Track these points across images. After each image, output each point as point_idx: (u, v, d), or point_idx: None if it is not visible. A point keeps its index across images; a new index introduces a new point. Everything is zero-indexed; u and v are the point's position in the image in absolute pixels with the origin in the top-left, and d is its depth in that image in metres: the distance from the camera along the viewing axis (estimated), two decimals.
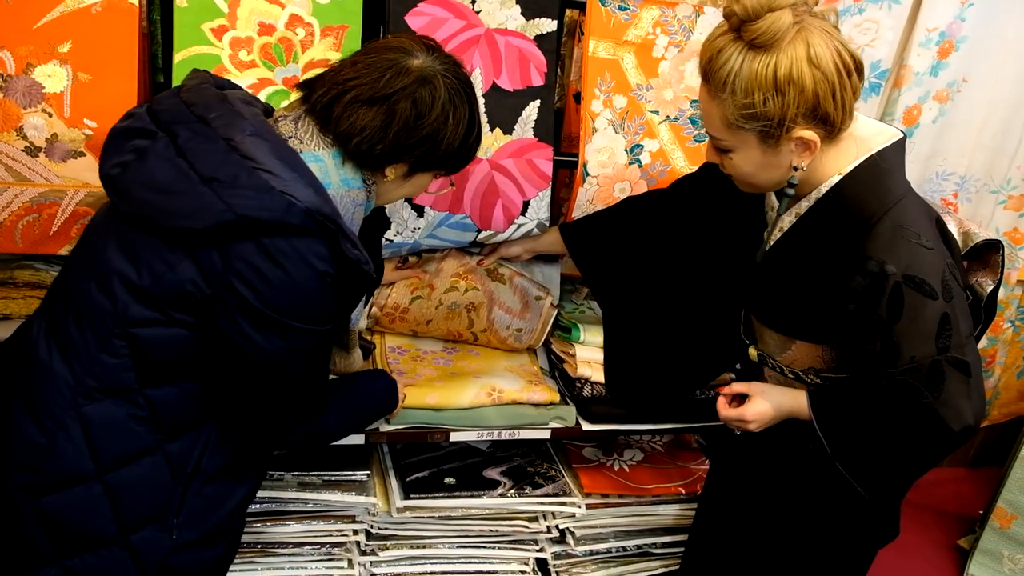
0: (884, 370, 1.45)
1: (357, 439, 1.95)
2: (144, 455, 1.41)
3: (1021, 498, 2.78)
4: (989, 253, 1.65)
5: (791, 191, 1.48)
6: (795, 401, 1.62)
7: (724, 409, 1.68)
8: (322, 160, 1.41)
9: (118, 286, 1.35)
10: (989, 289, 1.63)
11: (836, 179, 1.48)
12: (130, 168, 1.35)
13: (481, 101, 1.90)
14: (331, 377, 1.74)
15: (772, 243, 1.61)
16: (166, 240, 1.32)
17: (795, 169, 1.45)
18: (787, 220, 1.57)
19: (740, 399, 1.68)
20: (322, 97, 1.41)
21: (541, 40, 1.93)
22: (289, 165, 1.32)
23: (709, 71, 1.41)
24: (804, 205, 1.53)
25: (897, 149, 1.50)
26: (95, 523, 1.41)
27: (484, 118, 1.91)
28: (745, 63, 1.36)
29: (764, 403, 1.64)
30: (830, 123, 1.41)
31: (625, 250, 1.99)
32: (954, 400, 1.42)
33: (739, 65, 1.36)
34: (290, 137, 1.41)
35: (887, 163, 1.48)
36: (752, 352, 1.78)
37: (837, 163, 1.48)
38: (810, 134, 1.40)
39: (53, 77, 1.72)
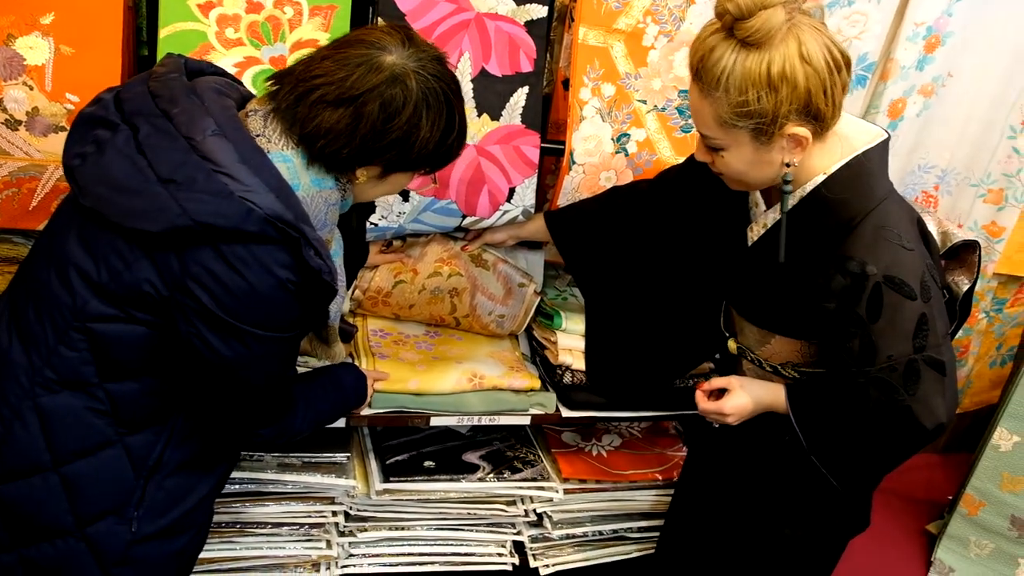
0: (861, 368, 1.47)
1: (338, 423, 1.95)
2: (103, 448, 1.39)
3: (989, 486, 2.82)
4: (966, 252, 1.66)
5: (788, 188, 1.48)
6: (773, 395, 1.65)
7: (703, 402, 1.70)
8: (291, 160, 1.35)
9: (77, 280, 1.33)
10: (965, 288, 1.65)
11: (821, 178, 1.49)
12: (89, 161, 1.31)
13: (469, 87, 1.89)
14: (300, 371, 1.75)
15: (755, 238, 1.62)
16: (124, 238, 1.29)
17: (787, 165, 1.46)
18: (771, 216, 1.58)
19: (719, 393, 1.70)
20: (288, 95, 1.35)
21: (531, 26, 1.92)
22: (252, 168, 1.27)
23: (701, 70, 1.41)
24: (789, 203, 1.53)
25: (881, 150, 1.52)
26: (51, 514, 1.39)
27: (472, 104, 1.90)
28: (738, 61, 1.36)
29: (742, 397, 1.66)
30: (821, 119, 1.41)
31: (609, 240, 1.99)
32: (928, 398, 1.45)
33: (732, 63, 1.36)
34: (258, 135, 1.35)
35: (871, 164, 1.49)
36: (731, 344, 1.79)
37: (822, 162, 1.49)
38: (802, 130, 1.41)
39: (35, 49, 1.69)
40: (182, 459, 1.47)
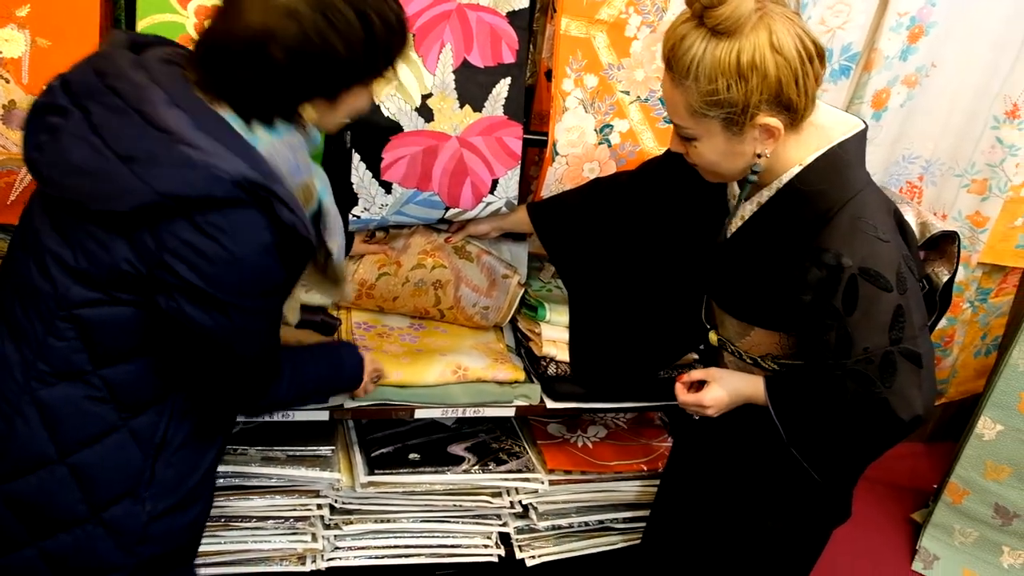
0: (838, 360, 1.47)
1: (321, 415, 1.95)
2: (108, 434, 1.39)
3: (973, 474, 2.84)
4: (946, 243, 1.66)
5: (754, 178, 1.49)
6: (752, 387, 1.64)
7: (682, 394, 1.69)
8: (243, 120, 1.32)
9: (56, 269, 1.31)
10: (945, 279, 1.65)
11: (797, 169, 1.49)
12: (47, 150, 1.29)
13: (451, 78, 1.88)
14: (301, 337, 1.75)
15: (733, 231, 1.62)
16: (95, 221, 1.27)
17: (758, 156, 1.46)
18: (748, 209, 1.58)
19: (698, 385, 1.70)
20: (201, 59, 1.30)
21: (513, 17, 1.91)
22: (210, 133, 1.24)
23: (672, 58, 1.40)
24: (765, 194, 1.54)
25: (858, 140, 1.51)
26: (64, 505, 1.39)
27: (454, 95, 1.89)
28: (708, 50, 1.35)
29: (721, 389, 1.66)
30: (793, 109, 1.41)
31: (591, 232, 1.99)
32: (905, 390, 1.45)
33: (702, 52, 1.36)
34: (207, 101, 1.31)
35: (847, 155, 1.49)
36: (712, 336, 1.80)
37: (798, 153, 1.49)
38: (774, 121, 1.40)
39: (11, 42, 1.67)
40: (185, 435, 1.46)
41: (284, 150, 1.35)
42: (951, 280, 1.65)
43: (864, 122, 1.54)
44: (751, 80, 1.35)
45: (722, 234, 1.65)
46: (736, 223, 1.61)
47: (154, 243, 1.25)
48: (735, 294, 1.66)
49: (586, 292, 2.07)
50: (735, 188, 1.63)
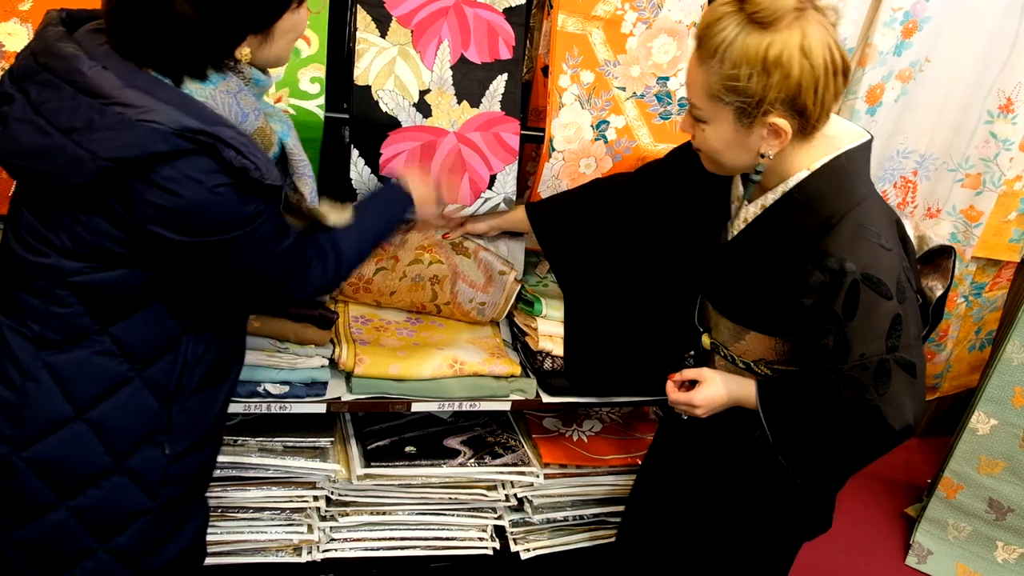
0: (834, 365, 1.47)
1: (319, 407, 1.97)
2: (121, 386, 1.42)
3: (967, 469, 2.86)
4: (941, 258, 1.66)
5: (756, 177, 1.49)
6: (744, 390, 1.64)
7: (673, 393, 1.69)
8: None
9: (44, 247, 1.34)
10: (939, 293, 1.65)
11: (803, 174, 1.49)
12: (2, 138, 1.30)
13: (449, 74, 1.89)
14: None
15: (735, 233, 1.62)
16: (66, 199, 1.30)
17: (762, 156, 1.46)
18: (752, 211, 1.58)
19: (690, 384, 1.70)
20: (115, 31, 1.28)
21: (510, 13, 1.92)
22: (142, 90, 1.23)
23: (704, 37, 1.40)
24: (770, 198, 1.53)
25: (863, 150, 1.51)
26: (89, 459, 1.43)
27: (452, 91, 1.90)
28: (740, 35, 1.35)
29: (713, 389, 1.65)
30: (805, 116, 1.41)
31: (589, 234, 1.99)
32: (898, 399, 1.45)
33: (734, 36, 1.36)
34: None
35: (853, 164, 1.49)
36: (705, 340, 1.79)
37: (806, 159, 1.49)
38: (783, 122, 1.40)
39: (13, 35, 1.69)
40: (199, 379, 1.50)
41: (223, 96, 1.33)
42: (944, 295, 1.65)
43: (869, 133, 1.54)
44: (773, 75, 1.35)
45: (723, 236, 1.66)
46: (739, 225, 1.61)
47: (126, 212, 1.27)
48: (734, 297, 1.66)
49: (581, 293, 2.07)
50: (738, 190, 1.63)
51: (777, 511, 1.74)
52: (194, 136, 1.23)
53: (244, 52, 1.34)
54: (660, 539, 1.96)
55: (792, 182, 1.50)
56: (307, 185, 1.52)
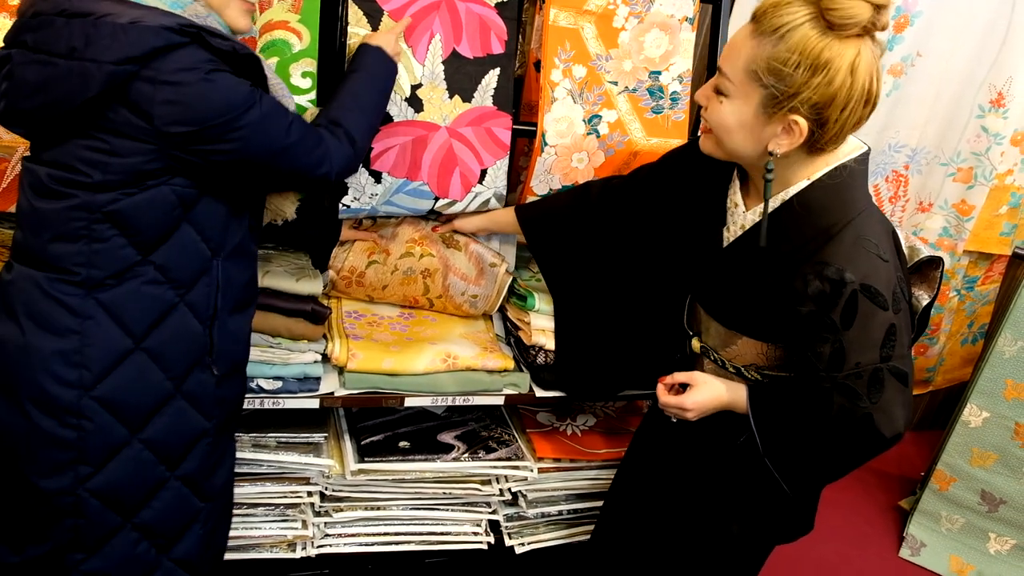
0: (829, 373, 1.48)
1: (312, 403, 1.97)
2: (170, 312, 1.51)
3: (960, 461, 2.87)
4: (929, 268, 1.67)
5: (770, 176, 1.48)
6: (734, 394, 1.65)
7: (664, 396, 1.69)
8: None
9: (71, 191, 1.41)
10: (924, 303, 1.65)
11: (804, 184, 1.49)
12: (9, 93, 1.40)
13: (441, 69, 1.89)
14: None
15: (732, 239, 1.61)
16: (85, 132, 1.38)
17: (770, 154, 1.45)
18: (750, 219, 1.58)
19: (681, 387, 1.70)
20: None
21: (502, 7, 1.92)
22: (124, 3, 1.36)
23: (768, 13, 1.38)
24: (771, 205, 1.53)
25: (862, 162, 1.52)
26: (153, 387, 1.52)
27: (443, 86, 1.90)
28: (806, 25, 1.35)
29: (705, 394, 1.65)
30: (823, 130, 1.41)
31: (579, 238, 1.99)
32: (890, 407, 1.46)
33: (800, 22, 1.35)
34: None
35: (852, 175, 1.49)
36: (695, 344, 1.79)
37: (807, 170, 1.49)
38: (803, 123, 1.40)
39: (3, 30, 1.68)
40: (232, 302, 1.60)
41: (193, 17, 1.42)
42: (929, 306, 1.66)
43: (867, 144, 1.54)
44: (817, 76, 1.35)
45: (719, 242, 1.66)
46: (736, 232, 1.61)
47: (145, 121, 1.37)
48: (728, 302, 1.65)
49: (571, 297, 2.08)
50: (736, 197, 1.63)
51: (759, 512, 1.75)
52: (182, 28, 1.35)
53: None
54: (637, 534, 1.96)
55: (793, 191, 1.50)
56: (291, 104, 1.60)
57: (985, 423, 2.79)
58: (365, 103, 1.71)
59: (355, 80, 1.72)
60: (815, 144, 1.44)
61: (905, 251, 1.62)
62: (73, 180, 1.41)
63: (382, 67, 1.77)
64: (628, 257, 2.01)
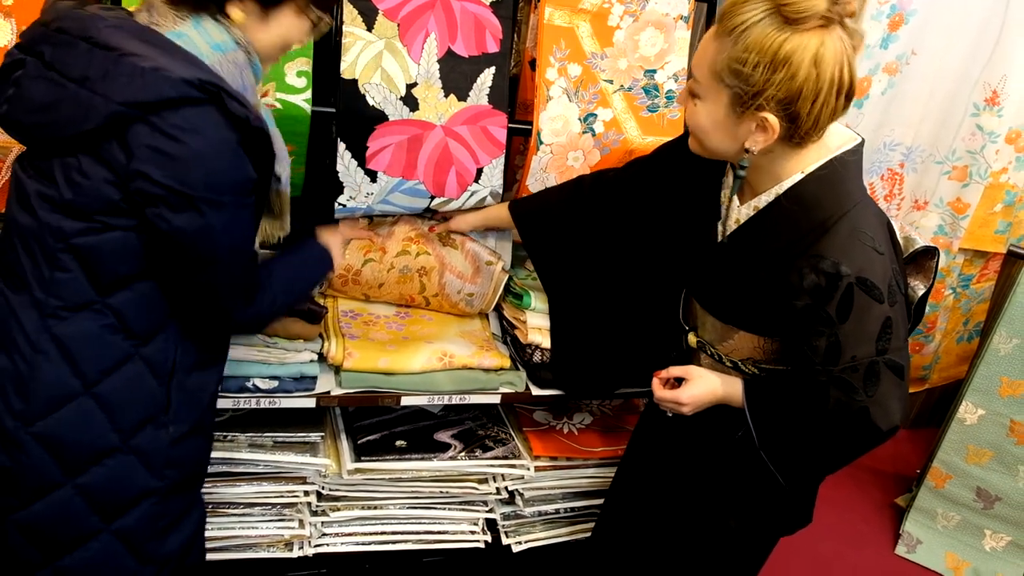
0: (825, 366, 1.47)
1: (308, 402, 1.97)
2: (125, 363, 1.45)
3: (955, 459, 2.88)
4: (924, 259, 1.67)
5: (742, 172, 1.48)
6: (730, 388, 1.64)
7: (659, 390, 1.69)
8: (184, 35, 1.38)
9: (46, 209, 1.38)
10: (920, 293, 1.65)
11: (797, 177, 1.48)
12: (13, 100, 1.37)
13: (436, 68, 1.89)
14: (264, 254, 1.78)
15: (727, 234, 1.61)
16: (71, 152, 1.35)
17: (747, 151, 1.45)
18: (744, 213, 1.57)
19: (676, 382, 1.70)
20: None
21: (497, 6, 1.92)
22: (154, 45, 1.32)
23: (727, 13, 1.38)
24: (763, 200, 1.53)
25: (855, 153, 1.51)
26: (95, 436, 1.45)
27: (438, 85, 1.90)
28: (762, 23, 1.34)
29: (700, 388, 1.65)
30: (796, 124, 1.40)
31: (574, 233, 2.00)
32: (886, 400, 1.46)
33: (756, 20, 1.34)
34: (148, 25, 1.39)
35: (846, 167, 1.48)
36: (691, 338, 1.79)
37: (799, 163, 1.48)
38: (774, 120, 1.39)
39: (2, 30, 1.69)
40: (192, 360, 1.53)
41: (229, 66, 1.41)
42: (925, 295, 1.66)
43: (861, 136, 1.53)
44: (778, 73, 1.34)
45: (713, 236, 1.65)
46: (731, 226, 1.60)
47: (124, 155, 1.32)
48: (724, 296, 1.65)
49: (566, 293, 2.08)
50: (729, 189, 1.63)
51: (757, 506, 1.75)
52: (202, 85, 1.30)
53: (238, 13, 1.42)
54: (638, 531, 1.97)
55: (786, 185, 1.50)
56: (284, 169, 1.58)
57: (980, 420, 2.80)
58: (294, 288, 1.72)
59: (298, 266, 1.74)
60: (794, 138, 1.43)
61: (901, 242, 1.62)
62: (49, 196, 1.37)
63: (325, 268, 1.83)
64: (622, 252, 2.01)
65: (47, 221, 1.37)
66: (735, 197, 1.60)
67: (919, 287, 1.65)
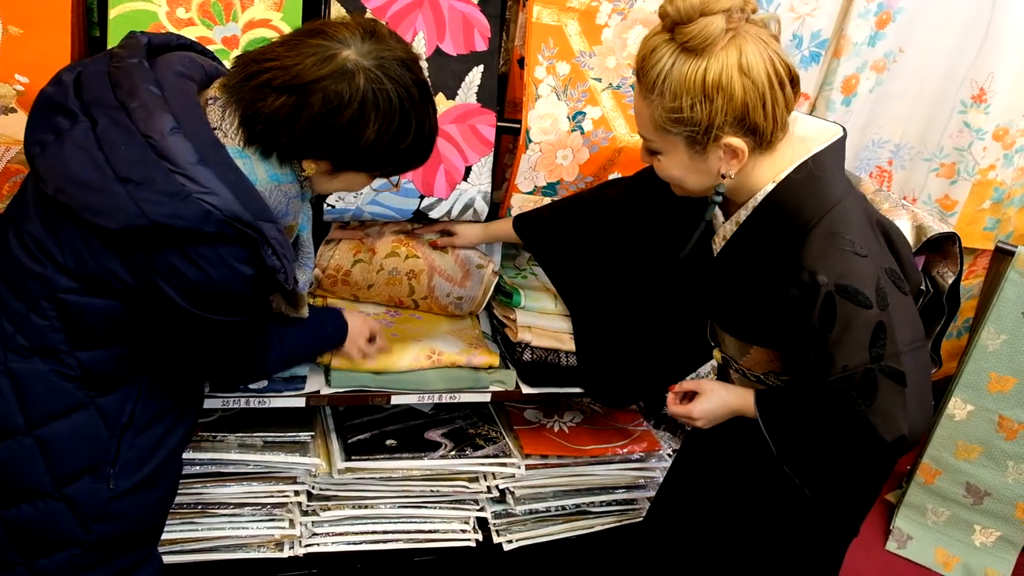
0: (820, 378, 1.44)
1: (298, 402, 1.96)
2: (75, 410, 1.42)
3: (945, 455, 2.88)
4: (947, 244, 1.63)
5: (718, 198, 1.47)
6: (742, 400, 1.61)
7: (672, 405, 1.67)
8: (248, 157, 1.35)
9: (44, 257, 1.34)
10: (951, 280, 1.61)
11: (771, 187, 1.46)
12: (49, 151, 1.30)
13: (424, 66, 1.88)
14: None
15: (718, 251, 1.59)
16: (87, 230, 1.30)
17: (723, 177, 1.44)
18: (729, 228, 1.55)
19: (690, 396, 1.67)
20: (237, 75, 1.35)
21: (485, 5, 1.92)
22: (210, 167, 1.27)
23: (641, 71, 1.38)
24: (743, 213, 1.50)
25: (834, 150, 1.48)
26: (28, 476, 1.41)
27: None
28: (676, 66, 1.33)
29: (711, 402, 1.63)
30: (759, 133, 1.38)
31: (581, 249, 1.99)
32: (887, 410, 1.41)
33: (669, 67, 1.34)
34: (216, 128, 1.34)
35: (821, 168, 1.45)
36: (716, 354, 1.78)
37: (772, 170, 1.45)
38: (738, 142, 1.38)
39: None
40: (153, 414, 1.49)
41: (279, 195, 1.40)
42: (957, 281, 1.61)
43: (843, 128, 1.51)
44: (716, 101, 1.33)
45: (710, 251, 1.63)
46: (719, 242, 1.58)
47: (145, 263, 1.29)
48: (727, 313, 1.64)
49: (587, 309, 2.07)
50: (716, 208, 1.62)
51: (800, 518, 1.70)
52: (242, 228, 1.28)
53: (311, 167, 1.41)
54: (686, 531, 1.94)
55: (760, 196, 1.47)
56: (304, 275, 1.58)
57: (970, 416, 2.80)
58: (298, 357, 1.77)
59: (310, 341, 1.77)
60: (762, 144, 1.41)
61: (911, 232, 1.58)
62: (49, 251, 1.33)
63: (335, 345, 1.88)
64: (631, 268, 2.00)
65: (38, 270, 1.34)
66: (720, 213, 1.58)
67: (948, 274, 1.61)
